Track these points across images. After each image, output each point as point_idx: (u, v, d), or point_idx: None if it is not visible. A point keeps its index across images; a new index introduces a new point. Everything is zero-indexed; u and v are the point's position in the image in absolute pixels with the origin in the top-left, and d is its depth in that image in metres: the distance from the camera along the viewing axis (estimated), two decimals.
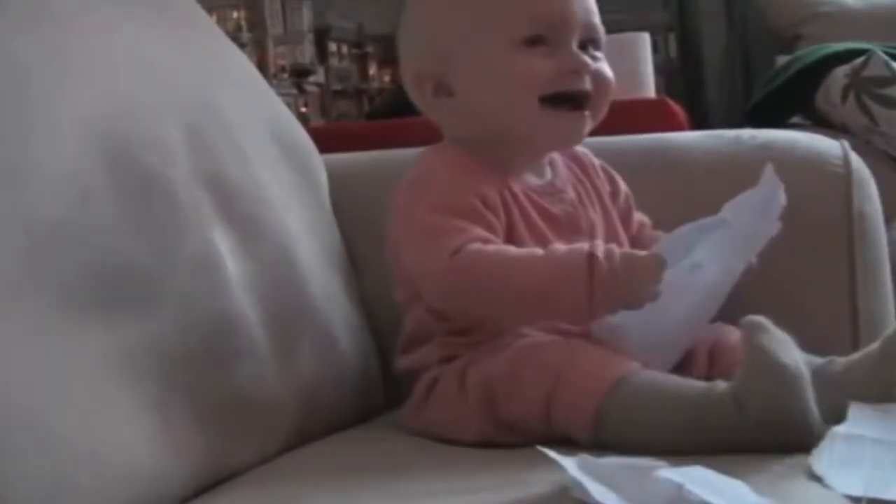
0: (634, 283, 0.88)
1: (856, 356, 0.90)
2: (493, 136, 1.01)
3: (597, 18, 1.02)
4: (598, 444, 0.85)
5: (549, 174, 1.05)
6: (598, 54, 1.02)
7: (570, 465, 0.72)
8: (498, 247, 0.94)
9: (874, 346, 0.89)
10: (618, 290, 0.88)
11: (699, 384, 0.87)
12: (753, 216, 0.97)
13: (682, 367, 0.95)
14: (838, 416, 0.83)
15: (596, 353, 0.90)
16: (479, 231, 0.94)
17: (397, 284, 1.04)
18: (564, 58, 0.99)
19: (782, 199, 0.97)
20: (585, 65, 1.00)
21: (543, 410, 0.88)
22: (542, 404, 0.88)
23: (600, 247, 0.90)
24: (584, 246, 0.91)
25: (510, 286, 0.92)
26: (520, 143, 1.02)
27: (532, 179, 1.04)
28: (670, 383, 0.87)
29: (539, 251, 0.93)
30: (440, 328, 1.00)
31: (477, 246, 0.93)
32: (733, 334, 0.99)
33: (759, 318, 0.83)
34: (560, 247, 0.93)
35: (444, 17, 1.03)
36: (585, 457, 0.73)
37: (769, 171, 0.97)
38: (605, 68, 1.02)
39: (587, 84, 1.00)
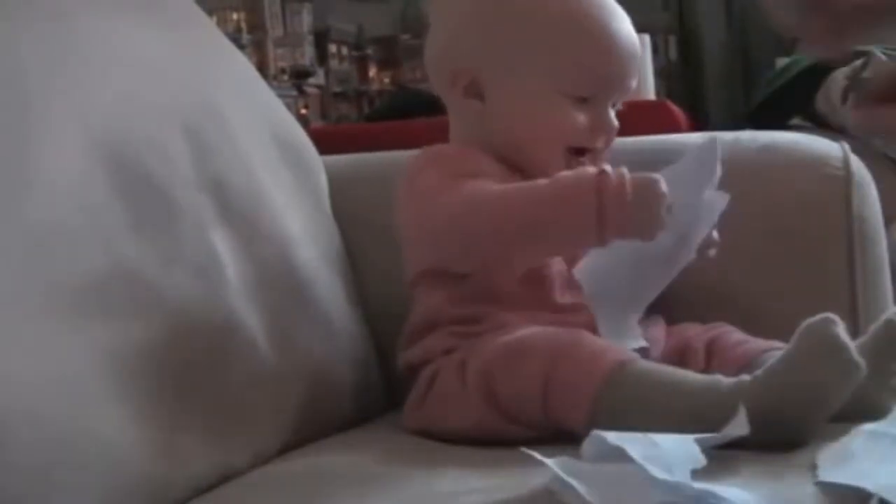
0: (644, 206, 0.89)
1: None
2: (506, 152, 1.03)
3: (636, 80, 1.05)
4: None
5: None
6: (618, 106, 1.06)
7: (555, 466, 0.71)
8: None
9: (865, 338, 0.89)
10: (627, 207, 0.89)
11: (700, 377, 0.87)
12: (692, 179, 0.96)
13: (680, 361, 0.95)
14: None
15: (592, 342, 0.89)
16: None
17: (406, 266, 1.04)
18: (600, 119, 1.03)
19: (718, 170, 0.96)
20: (613, 129, 1.04)
21: (540, 401, 0.88)
22: (539, 395, 0.88)
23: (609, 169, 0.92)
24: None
25: (518, 207, 0.93)
26: (527, 165, 1.03)
27: None
28: (667, 374, 0.87)
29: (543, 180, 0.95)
30: (448, 316, 1.00)
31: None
32: (733, 334, 0.99)
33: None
34: (566, 172, 0.95)
35: (502, 28, 1.03)
36: (567, 459, 0.72)
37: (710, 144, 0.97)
38: (616, 122, 1.05)
39: (602, 143, 1.04)
